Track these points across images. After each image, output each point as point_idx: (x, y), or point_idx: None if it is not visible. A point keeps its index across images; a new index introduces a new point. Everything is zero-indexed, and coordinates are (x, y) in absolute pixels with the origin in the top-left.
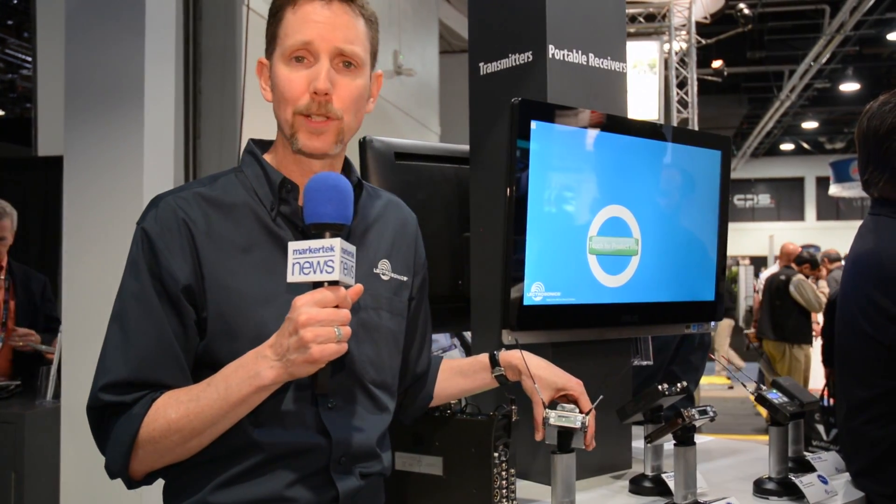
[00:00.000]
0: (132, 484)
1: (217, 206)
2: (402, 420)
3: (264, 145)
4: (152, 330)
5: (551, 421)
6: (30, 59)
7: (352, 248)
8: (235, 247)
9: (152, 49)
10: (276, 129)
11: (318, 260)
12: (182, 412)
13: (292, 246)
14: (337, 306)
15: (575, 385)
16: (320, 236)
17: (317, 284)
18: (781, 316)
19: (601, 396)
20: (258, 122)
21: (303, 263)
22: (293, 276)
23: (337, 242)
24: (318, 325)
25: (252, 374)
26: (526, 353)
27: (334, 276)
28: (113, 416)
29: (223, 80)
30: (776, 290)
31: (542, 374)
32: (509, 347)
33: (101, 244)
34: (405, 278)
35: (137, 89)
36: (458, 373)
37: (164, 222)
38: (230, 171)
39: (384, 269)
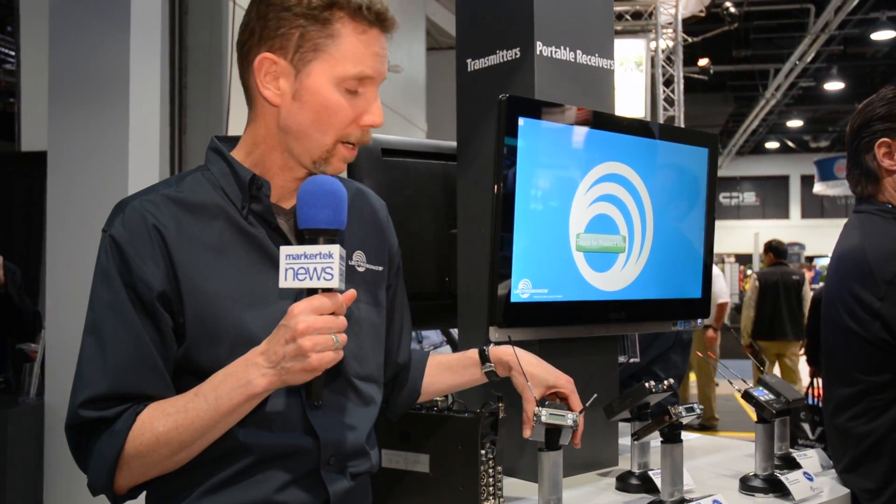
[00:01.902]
0: (117, 500)
1: (186, 207)
2: (389, 417)
3: (228, 141)
4: (130, 340)
5: (543, 419)
6: (13, 52)
7: (343, 253)
8: (208, 248)
9: (138, 44)
10: (259, 129)
11: (315, 266)
12: (170, 425)
13: (285, 251)
14: (333, 313)
15: (565, 383)
16: (314, 241)
17: (311, 291)
18: (800, 315)
19: (595, 395)
20: (244, 118)
21: (297, 269)
22: (286, 282)
23: (336, 249)
24: (317, 334)
25: (243, 382)
26: (517, 349)
27: (333, 284)
28: (94, 432)
29: (209, 75)
30: (794, 288)
31: (533, 370)
32: (499, 343)
33: (84, 240)
34: (380, 268)
35: (122, 84)
36: (445, 368)
37: (132, 228)
38: (196, 170)
39: (359, 260)
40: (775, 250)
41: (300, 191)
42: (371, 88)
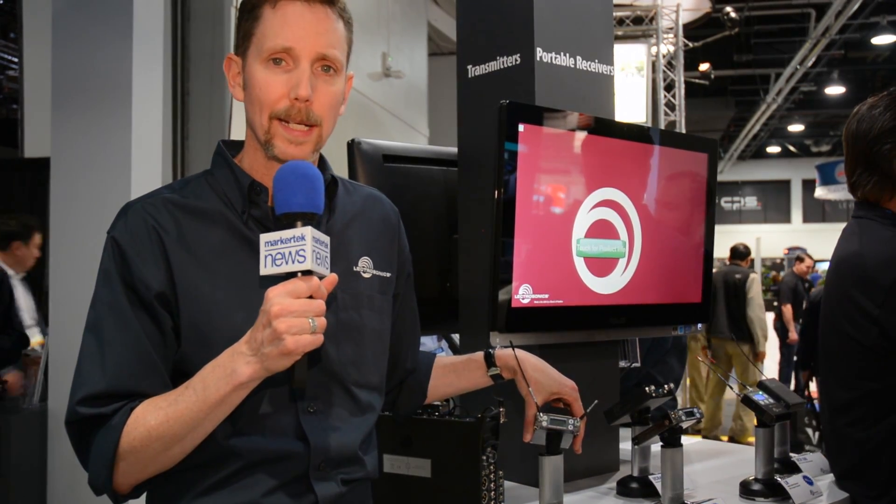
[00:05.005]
0: (119, 499)
1: (187, 211)
2: (395, 419)
3: (235, 146)
4: (129, 339)
5: (544, 424)
6: (16, 59)
7: (325, 238)
8: (207, 252)
9: (140, 50)
10: (246, 130)
11: (290, 250)
12: (161, 418)
13: (264, 238)
14: (311, 297)
15: (570, 391)
16: (291, 226)
17: (290, 276)
18: (738, 314)
19: (595, 402)
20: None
21: (275, 255)
22: (266, 269)
23: (308, 231)
24: (292, 316)
25: (229, 371)
26: (521, 353)
27: (306, 266)
28: (93, 430)
29: (211, 81)
30: (735, 287)
31: (537, 376)
32: (503, 347)
33: (87, 246)
34: (388, 274)
35: (125, 90)
36: (451, 371)
37: (133, 230)
38: (201, 175)
39: (365, 266)
40: (733, 251)
41: (274, 177)
42: (302, 62)
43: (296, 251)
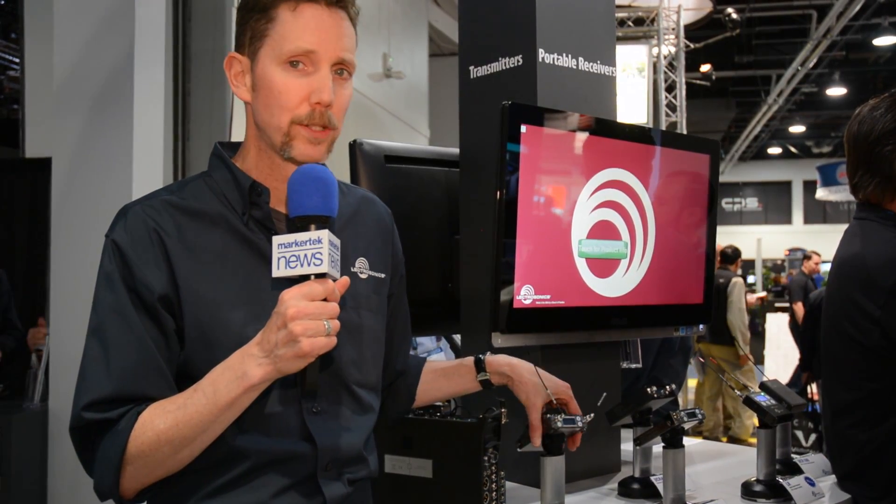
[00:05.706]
0: (124, 503)
1: (187, 213)
2: (384, 421)
3: (231, 147)
4: (133, 343)
5: (559, 425)
6: (17, 59)
7: (338, 242)
8: (208, 254)
9: (141, 50)
10: (248, 131)
11: (305, 253)
12: (170, 422)
13: (277, 240)
14: (325, 299)
15: (565, 390)
16: (305, 229)
17: (303, 279)
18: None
19: (605, 394)
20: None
21: (288, 257)
22: (279, 271)
23: (325, 234)
24: (308, 319)
25: (240, 374)
26: (514, 360)
27: (323, 269)
28: (99, 435)
29: (212, 82)
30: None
31: (536, 380)
32: (495, 351)
33: (88, 246)
34: (383, 275)
35: (126, 91)
36: (441, 375)
37: (134, 233)
38: (199, 177)
39: (362, 267)
40: (722, 255)
41: (290, 179)
42: (323, 66)
43: (312, 254)
